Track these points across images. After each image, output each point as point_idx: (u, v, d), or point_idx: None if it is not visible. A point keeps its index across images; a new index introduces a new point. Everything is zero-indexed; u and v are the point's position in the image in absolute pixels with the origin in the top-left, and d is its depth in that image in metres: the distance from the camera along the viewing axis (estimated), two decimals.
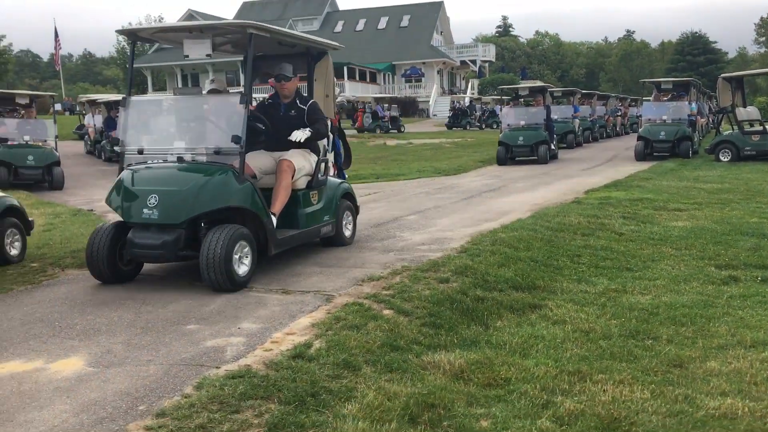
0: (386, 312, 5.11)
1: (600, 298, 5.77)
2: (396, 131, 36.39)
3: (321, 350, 4.25)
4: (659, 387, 3.90)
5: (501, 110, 21.75)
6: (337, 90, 8.28)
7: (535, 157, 18.54)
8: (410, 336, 4.72)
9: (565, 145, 23.63)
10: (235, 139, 5.95)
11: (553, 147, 19.45)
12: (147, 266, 6.79)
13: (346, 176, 8.31)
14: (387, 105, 38.19)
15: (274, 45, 6.98)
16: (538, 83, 36.17)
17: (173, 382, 3.79)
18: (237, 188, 5.91)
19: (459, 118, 42.09)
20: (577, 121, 25.21)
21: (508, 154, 18.87)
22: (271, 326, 4.77)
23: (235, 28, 6.78)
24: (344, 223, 7.66)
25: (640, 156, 18.66)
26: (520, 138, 18.66)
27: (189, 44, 6.39)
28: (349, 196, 7.91)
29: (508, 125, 19.47)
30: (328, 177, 7.55)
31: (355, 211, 8.04)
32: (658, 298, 5.73)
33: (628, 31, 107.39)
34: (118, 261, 6.06)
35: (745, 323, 5.05)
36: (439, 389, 3.82)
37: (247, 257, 5.83)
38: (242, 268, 5.77)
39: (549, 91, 21.82)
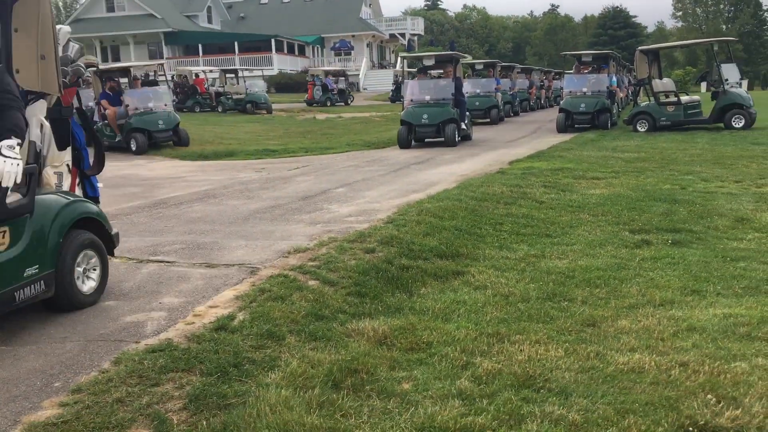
0: (312, 283, 5.12)
1: (520, 263, 5.94)
2: (343, 104, 36.75)
3: (244, 322, 4.24)
4: (573, 345, 4.06)
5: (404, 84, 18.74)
6: (75, 48, 5.23)
7: (442, 138, 15.93)
8: (335, 305, 4.75)
9: (489, 120, 22.96)
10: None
11: (464, 126, 16.71)
12: None
13: (99, 188, 5.66)
14: (335, 78, 38.46)
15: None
16: (468, 58, 36.55)
17: (90, 358, 3.71)
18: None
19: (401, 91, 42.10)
20: (499, 94, 24.55)
21: (411, 135, 16.15)
22: (193, 300, 4.71)
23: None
24: (79, 271, 4.63)
25: (562, 128, 19.10)
26: (424, 116, 15.85)
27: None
28: (93, 223, 4.85)
29: (411, 101, 16.39)
30: (47, 194, 4.58)
31: (105, 248, 4.95)
32: (574, 262, 5.94)
33: (552, 5, 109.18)
34: None
35: (655, 284, 5.30)
36: (363, 355, 3.88)
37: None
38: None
39: (460, 62, 18.89)
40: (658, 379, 3.59)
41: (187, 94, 32.00)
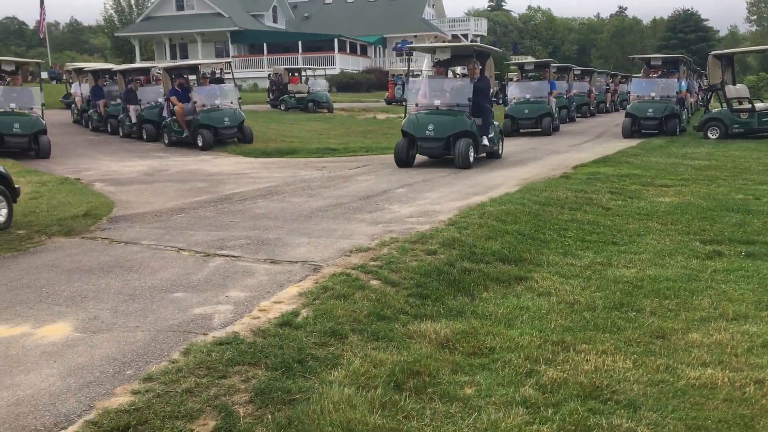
0: (374, 282, 5.14)
1: (585, 271, 5.82)
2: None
3: (308, 318, 4.28)
4: (641, 357, 3.96)
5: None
6: None
7: (451, 156, 12.21)
8: (397, 306, 4.75)
9: (540, 130, 19.68)
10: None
11: (486, 142, 12.86)
12: (134, 233, 6.79)
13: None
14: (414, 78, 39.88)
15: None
16: (529, 58, 35.82)
17: (160, 348, 3.81)
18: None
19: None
20: (553, 100, 20.90)
21: (412, 151, 12.61)
22: (258, 295, 4.79)
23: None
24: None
25: (628, 133, 18.61)
26: (430, 127, 12.28)
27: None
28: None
29: (417, 105, 12.94)
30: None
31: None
32: (642, 271, 5.78)
33: (620, 7, 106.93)
34: None
35: (728, 296, 5.12)
36: (425, 357, 3.87)
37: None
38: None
39: (491, 57, 14.35)
40: (731, 396, 3.47)
41: (282, 92, 32.48)
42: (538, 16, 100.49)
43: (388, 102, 36.79)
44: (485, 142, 12.80)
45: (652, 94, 19.27)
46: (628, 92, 24.09)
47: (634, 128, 18.73)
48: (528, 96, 20.56)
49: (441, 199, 8.91)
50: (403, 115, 13.26)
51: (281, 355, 3.72)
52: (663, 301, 5.04)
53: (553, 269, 5.88)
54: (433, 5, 61.90)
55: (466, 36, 62.13)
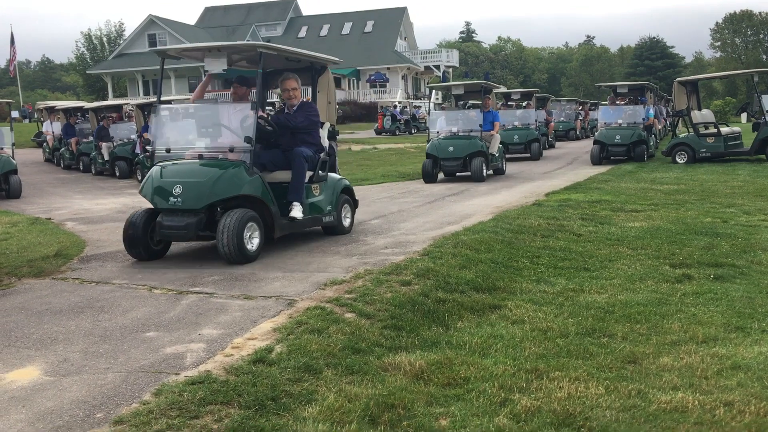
0: (348, 315, 5.14)
1: (558, 297, 5.88)
2: (407, 133, 39.75)
3: (282, 354, 4.26)
4: (613, 383, 3.99)
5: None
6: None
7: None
8: (372, 338, 4.75)
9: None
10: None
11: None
12: (106, 273, 6.72)
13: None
14: (401, 109, 42.75)
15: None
16: (502, 88, 36.46)
17: (131, 390, 3.76)
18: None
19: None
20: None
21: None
22: (232, 332, 4.76)
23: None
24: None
25: (596, 160, 18.84)
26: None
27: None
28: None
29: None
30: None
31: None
32: (614, 296, 5.85)
33: (588, 36, 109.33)
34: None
35: (698, 320, 5.19)
36: (400, 390, 3.86)
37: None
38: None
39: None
40: (702, 419, 3.51)
41: None
42: (509, 47, 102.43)
43: (378, 132, 38.67)
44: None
45: (619, 121, 19.61)
46: (596, 120, 24.31)
47: (603, 155, 19.01)
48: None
49: (415, 229, 8.96)
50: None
51: (254, 393, 3.69)
52: (634, 325, 5.10)
53: (527, 297, 5.92)
54: (405, 38, 62.79)
55: (438, 67, 63.03)
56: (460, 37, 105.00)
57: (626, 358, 4.45)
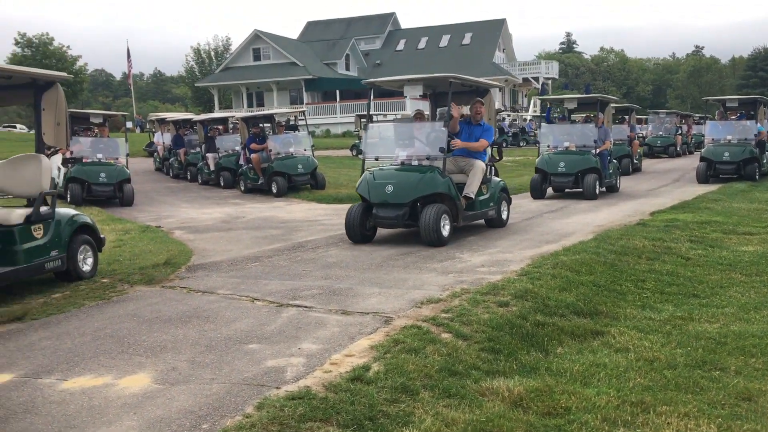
0: (445, 335, 5.11)
1: (665, 325, 5.62)
2: (516, 146, 39.96)
3: (379, 373, 4.28)
4: (726, 421, 3.77)
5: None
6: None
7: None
8: (469, 361, 4.70)
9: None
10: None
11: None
12: (211, 282, 6.99)
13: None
14: (509, 122, 42.80)
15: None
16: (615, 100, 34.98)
17: (235, 402, 3.88)
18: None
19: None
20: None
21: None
22: (330, 347, 4.83)
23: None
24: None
25: (702, 178, 17.84)
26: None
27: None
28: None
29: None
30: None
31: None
32: (726, 326, 5.54)
33: (696, 47, 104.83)
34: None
35: None
36: (498, 417, 3.80)
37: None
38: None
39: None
40: None
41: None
42: (611, 58, 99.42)
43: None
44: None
45: (729, 137, 18.50)
46: (703, 135, 22.57)
47: (710, 173, 18.04)
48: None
49: (512, 247, 8.81)
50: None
51: (352, 412, 3.72)
52: (749, 359, 4.81)
53: (631, 323, 5.70)
54: (504, 50, 62.20)
55: (536, 78, 62.01)
56: (560, 48, 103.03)
57: (740, 394, 4.20)
